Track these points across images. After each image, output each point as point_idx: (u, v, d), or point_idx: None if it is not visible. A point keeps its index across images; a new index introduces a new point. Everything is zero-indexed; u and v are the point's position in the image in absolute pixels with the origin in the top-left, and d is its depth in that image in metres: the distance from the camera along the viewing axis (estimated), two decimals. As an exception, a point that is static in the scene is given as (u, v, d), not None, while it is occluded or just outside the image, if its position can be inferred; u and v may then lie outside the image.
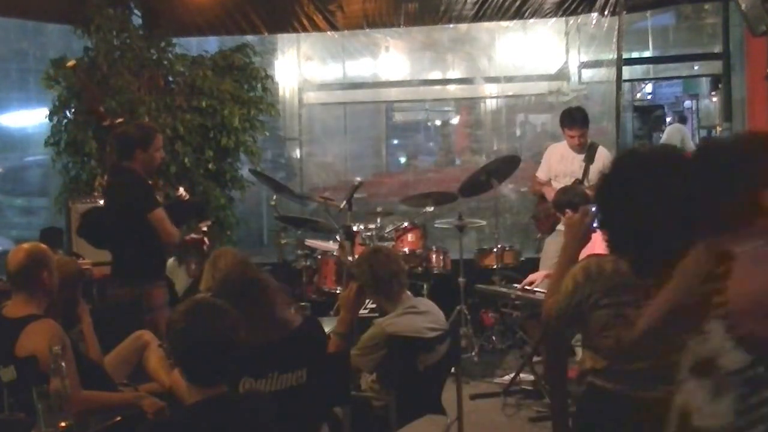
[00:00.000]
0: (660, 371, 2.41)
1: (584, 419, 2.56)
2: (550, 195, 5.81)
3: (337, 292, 6.00)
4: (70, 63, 5.45)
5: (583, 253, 2.75)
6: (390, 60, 8.40)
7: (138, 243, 4.31)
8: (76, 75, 5.54)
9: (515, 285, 5.36)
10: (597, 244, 3.05)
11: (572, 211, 5.06)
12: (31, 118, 8.38)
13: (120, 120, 5.47)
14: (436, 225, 6.84)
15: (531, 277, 5.24)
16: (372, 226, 6.40)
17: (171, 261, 5.37)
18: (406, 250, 6.38)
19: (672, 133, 10.30)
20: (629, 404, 2.42)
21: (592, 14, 7.05)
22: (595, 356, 2.50)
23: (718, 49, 7.85)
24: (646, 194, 2.39)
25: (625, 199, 2.43)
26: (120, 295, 4.37)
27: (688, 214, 2.41)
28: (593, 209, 2.71)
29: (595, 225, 2.70)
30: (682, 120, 11.66)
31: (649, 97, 12.99)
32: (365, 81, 8.59)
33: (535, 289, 5.10)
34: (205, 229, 5.00)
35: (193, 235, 4.90)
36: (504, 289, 5.42)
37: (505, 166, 6.36)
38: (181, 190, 4.95)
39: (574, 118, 6.05)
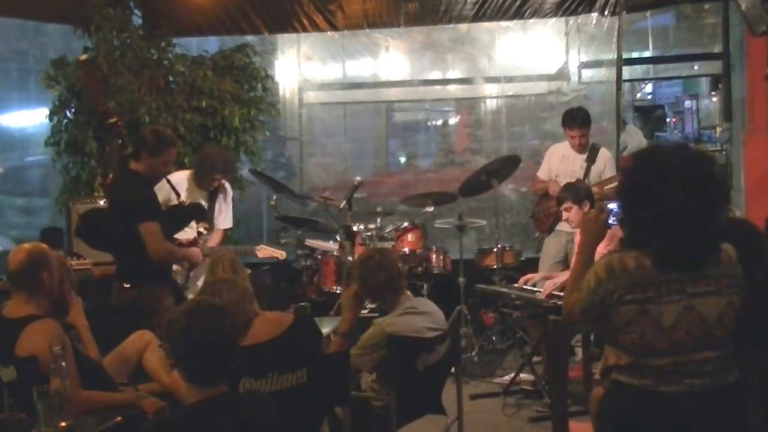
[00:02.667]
0: (684, 366, 2.42)
1: (609, 415, 2.57)
2: (554, 190, 5.80)
3: (337, 292, 6.00)
4: (83, 57, 5.48)
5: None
6: (390, 60, 8.40)
7: (141, 243, 4.29)
8: (84, 70, 5.54)
9: (515, 285, 5.36)
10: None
11: (574, 204, 5.07)
12: (31, 118, 8.38)
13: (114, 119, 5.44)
14: (436, 225, 6.84)
15: (526, 277, 5.24)
16: (372, 226, 6.40)
17: None
18: (406, 250, 6.38)
19: (631, 133, 10.27)
20: (654, 399, 2.43)
21: (592, 14, 7.04)
22: (618, 352, 2.52)
23: (718, 49, 7.84)
24: (668, 190, 2.40)
25: (647, 194, 2.44)
26: (124, 297, 4.36)
27: (710, 209, 2.43)
28: (608, 206, 2.72)
29: (611, 221, 2.72)
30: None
31: (649, 97, 12.97)
32: (365, 81, 8.59)
33: (535, 288, 5.10)
34: (201, 230, 5.01)
35: (188, 237, 4.91)
36: (504, 289, 5.41)
37: (505, 166, 6.36)
38: (183, 196, 4.95)
39: (574, 119, 6.05)
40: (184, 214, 4.82)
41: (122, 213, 4.34)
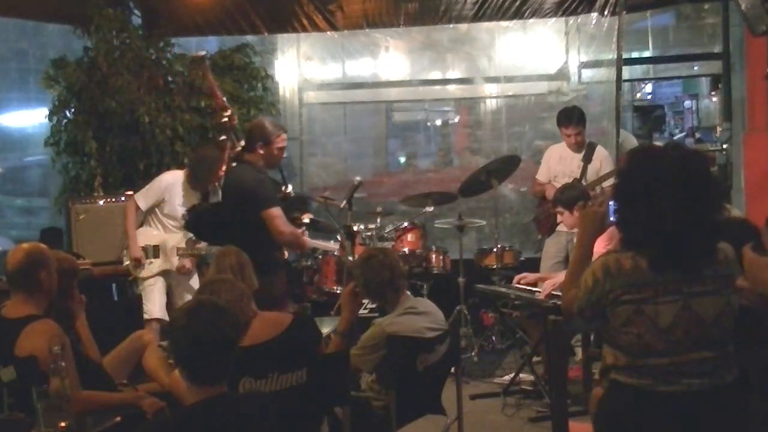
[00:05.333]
0: (683, 366, 2.42)
1: (609, 415, 2.57)
2: (550, 193, 5.82)
3: (338, 292, 6.00)
4: (200, 53, 5.55)
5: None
6: (390, 60, 8.39)
7: (259, 232, 4.27)
8: (201, 66, 5.60)
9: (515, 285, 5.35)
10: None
11: (565, 209, 5.07)
12: (31, 118, 8.37)
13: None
14: (436, 225, 6.84)
15: (519, 276, 5.19)
16: (372, 226, 6.40)
17: None
18: (406, 250, 6.38)
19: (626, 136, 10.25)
20: (653, 399, 2.43)
21: (592, 14, 7.03)
22: (616, 352, 2.51)
23: (718, 49, 7.83)
24: (661, 190, 2.40)
25: (640, 195, 2.44)
26: None
27: (704, 208, 2.43)
28: (609, 203, 2.72)
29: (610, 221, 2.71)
30: None
31: (649, 97, 12.96)
32: (365, 81, 8.58)
33: (535, 288, 5.10)
34: (306, 220, 5.03)
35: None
36: (504, 289, 5.41)
37: (505, 166, 6.36)
38: (290, 187, 4.97)
39: (569, 117, 6.07)
40: (288, 206, 4.83)
41: (243, 202, 4.35)
